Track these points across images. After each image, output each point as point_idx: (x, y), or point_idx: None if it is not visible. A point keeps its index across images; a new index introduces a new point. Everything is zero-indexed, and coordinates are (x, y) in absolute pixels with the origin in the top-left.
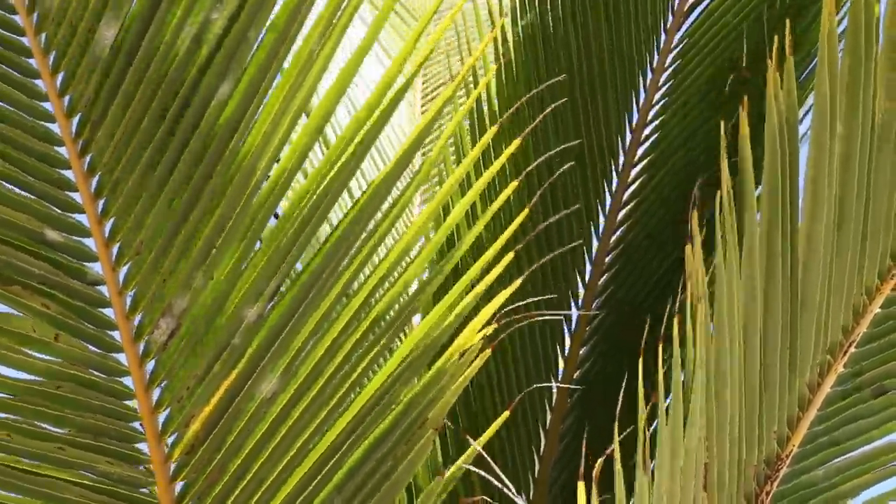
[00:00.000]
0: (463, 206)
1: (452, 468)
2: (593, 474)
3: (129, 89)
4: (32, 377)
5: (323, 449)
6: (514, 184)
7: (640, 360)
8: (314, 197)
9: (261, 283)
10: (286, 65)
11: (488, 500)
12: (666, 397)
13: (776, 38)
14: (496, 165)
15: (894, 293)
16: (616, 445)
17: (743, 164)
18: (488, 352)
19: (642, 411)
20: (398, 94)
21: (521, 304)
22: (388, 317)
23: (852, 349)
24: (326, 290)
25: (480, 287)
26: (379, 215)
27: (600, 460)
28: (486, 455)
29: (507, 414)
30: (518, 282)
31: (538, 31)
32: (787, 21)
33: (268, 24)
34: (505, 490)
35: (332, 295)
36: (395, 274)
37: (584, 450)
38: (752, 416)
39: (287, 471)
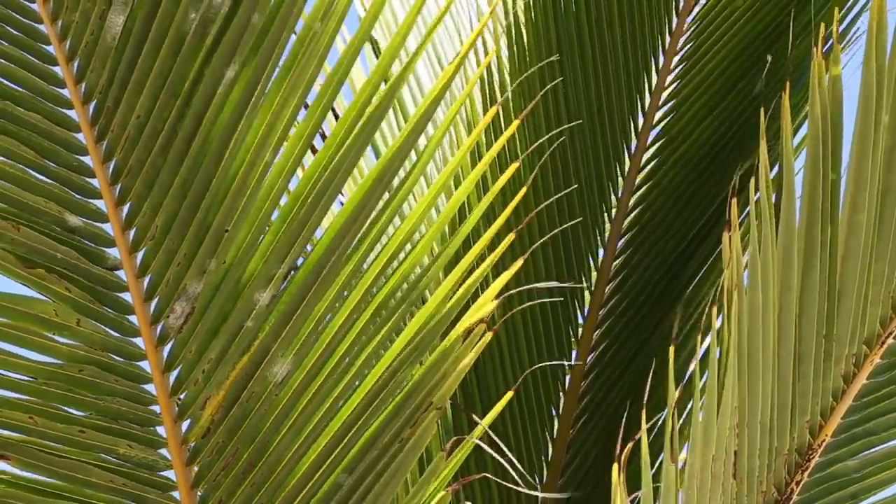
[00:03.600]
0: (471, 180)
1: (460, 447)
2: (623, 458)
3: (140, 76)
4: (55, 360)
5: (334, 430)
6: (515, 166)
7: (672, 348)
8: (321, 180)
9: (271, 267)
10: (289, 47)
11: (490, 476)
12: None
13: (822, 24)
14: (504, 138)
15: None
16: (644, 433)
17: (785, 152)
18: (490, 334)
19: (672, 399)
20: (404, 71)
21: (532, 286)
22: (396, 296)
23: (890, 340)
24: (336, 272)
25: (484, 266)
26: (387, 195)
27: (629, 446)
28: (498, 437)
29: (510, 393)
30: (520, 261)
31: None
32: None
33: (269, 6)
34: (518, 471)
35: (342, 276)
36: (403, 253)
37: (598, 433)
38: (785, 404)
39: (299, 453)
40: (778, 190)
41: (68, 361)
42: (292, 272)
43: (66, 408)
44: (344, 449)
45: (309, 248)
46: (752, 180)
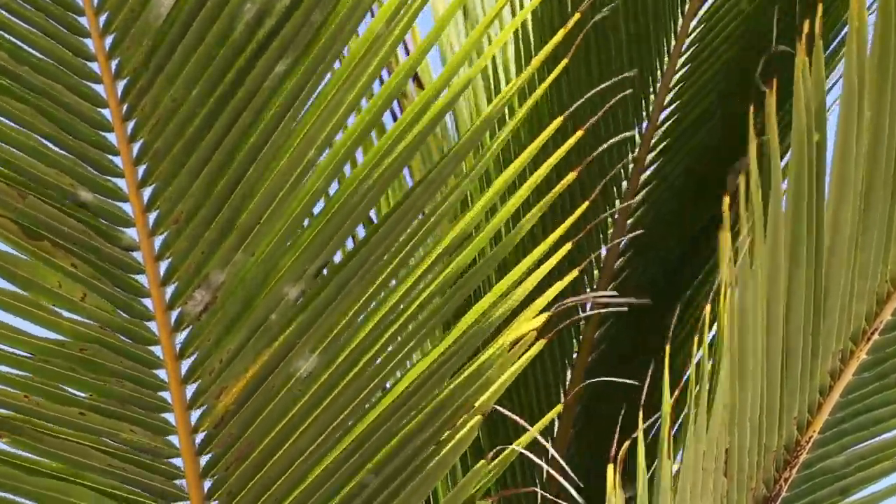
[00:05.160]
0: (518, 197)
1: (503, 454)
2: (619, 457)
3: (181, 59)
4: (56, 337)
5: (361, 430)
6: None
7: (668, 345)
8: (368, 180)
9: (304, 263)
10: (348, 51)
11: (538, 490)
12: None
13: (807, 18)
14: (548, 163)
15: None
16: (640, 432)
17: (770, 148)
18: (543, 342)
19: (666, 398)
20: (459, 89)
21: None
22: (438, 301)
23: (875, 336)
24: (374, 273)
25: (532, 280)
26: (436, 199)
27: (626, 444)
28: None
29: (559, 407)
30: (575, 272)
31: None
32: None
33: (333, 6)
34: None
35: (380, 278)
36: (445, 260)
37: (597, 433)
38: (774, 402)
39: (321, 450)
40: (765, 188)
41: (71, 338)
42: (325, 269)
43: (65, 387)
44: (371, 448)
45: (350, 244)
46: (742, 178)
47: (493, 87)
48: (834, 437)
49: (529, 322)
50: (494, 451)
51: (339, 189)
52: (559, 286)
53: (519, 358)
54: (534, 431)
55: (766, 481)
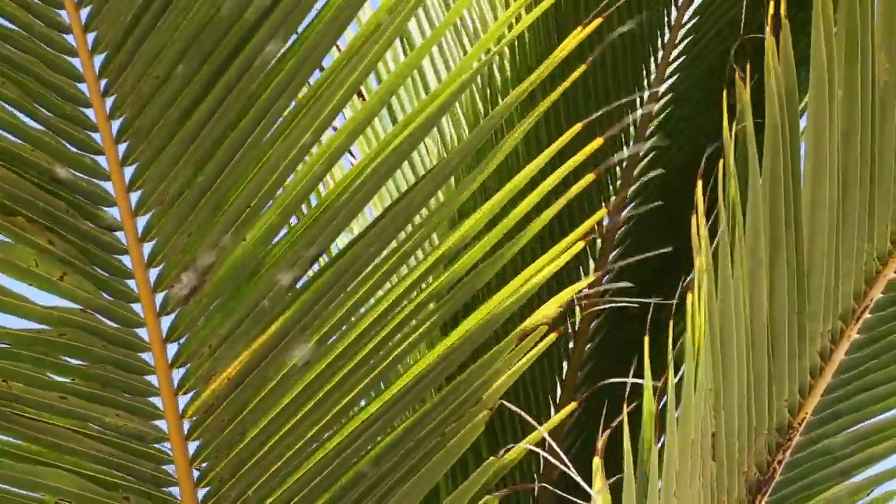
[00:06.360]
0: (538, 193)
1: (511, 451)
2: (599, 446)
3: (166, 34)
4: (36, 325)
5: (360, 421)
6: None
7: (647, 335)
8: (368, 170)
9: (299, 250)
10: (350, 34)
11: (547, 486)
12: (676, 370)
13: (772, 2)
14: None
15: None
16: (625, 419)
17: (745, 131)
18: (553, 336)
19: (648, 381)
20: (465, 82)
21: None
22: (446, 294)
23: (866, 315)
24: (377, 264)
25: (542, 275)
26: (442, 191)
27: (606, 433)
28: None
29: (574, 405)
30: (594, 276)
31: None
32: None
33: None
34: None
35: (383, 269)
36: (452, 254)
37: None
38: (761, 384)
39: (316, 440)
40: (742, 171)
41: (48, 324)
42: (322, 257)
43: (45, 371)
44: (370, 438)
45: (356, 231)
46: (721, 162)
47: (489, 89)
48: (830, 417)
49: (540, 315)
50: (505, 448)
51: (342, 177)
52: (579, 286)
53: (528, 352)
54: (542, 430)
55: (759, 464)
